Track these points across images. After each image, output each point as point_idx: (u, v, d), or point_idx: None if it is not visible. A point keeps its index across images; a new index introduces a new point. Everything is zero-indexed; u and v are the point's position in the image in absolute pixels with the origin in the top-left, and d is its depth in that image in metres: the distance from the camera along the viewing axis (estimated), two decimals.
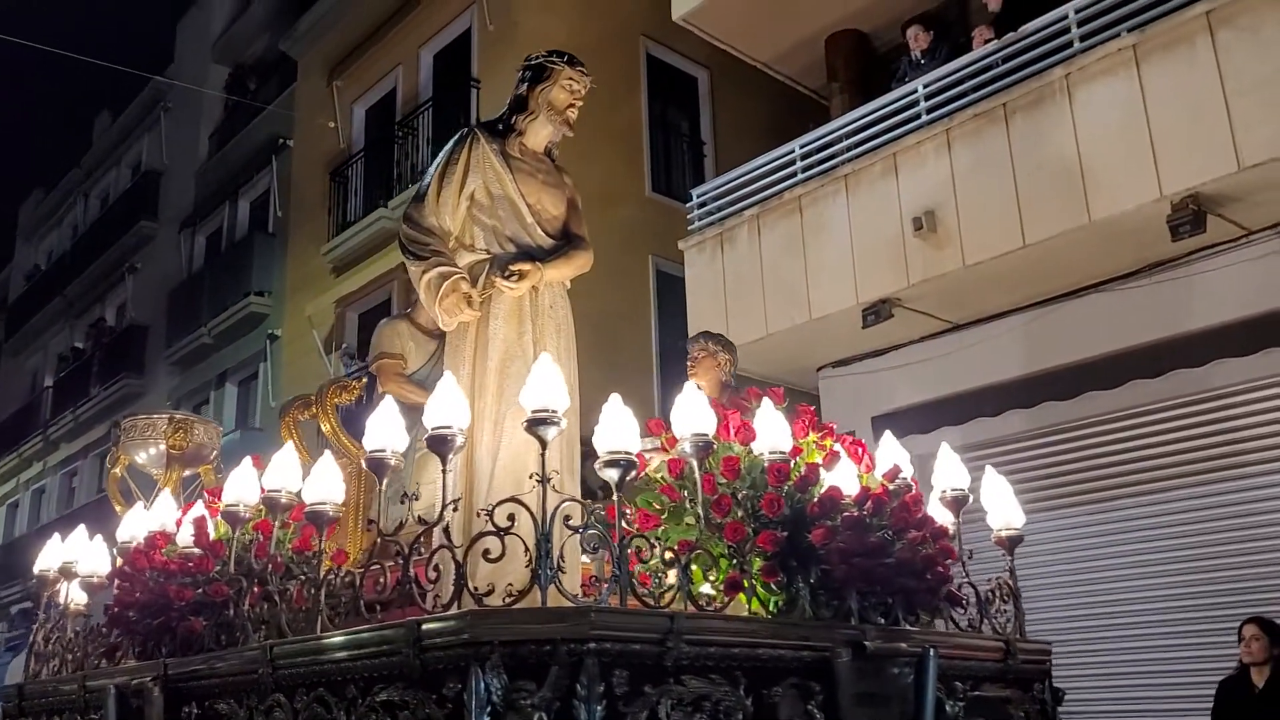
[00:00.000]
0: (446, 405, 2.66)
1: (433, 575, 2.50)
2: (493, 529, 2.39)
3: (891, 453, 3.32)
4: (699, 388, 4.99)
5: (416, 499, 2.69)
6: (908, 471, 3.25)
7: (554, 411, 2.54)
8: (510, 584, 2.45)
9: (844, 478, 3.01)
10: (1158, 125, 5.76)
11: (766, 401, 3.11)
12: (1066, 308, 6.80)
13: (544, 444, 2.51)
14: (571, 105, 3.82)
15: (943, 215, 6.66)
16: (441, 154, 3.78)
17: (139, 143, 20.47)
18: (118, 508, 5.16)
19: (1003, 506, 3.37)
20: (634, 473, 2.61)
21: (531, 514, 2.37)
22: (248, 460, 3.37)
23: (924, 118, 7.01)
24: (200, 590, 3.31)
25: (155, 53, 20.93)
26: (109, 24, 34.99)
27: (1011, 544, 3.33)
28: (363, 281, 12.28)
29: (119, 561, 3.84)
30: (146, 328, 17.74)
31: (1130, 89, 5.91)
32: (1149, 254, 6.24)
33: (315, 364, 12.43)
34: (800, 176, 7.72)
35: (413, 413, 4.54)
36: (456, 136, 3.81)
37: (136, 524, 3.85)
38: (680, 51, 11.15)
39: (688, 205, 8.63)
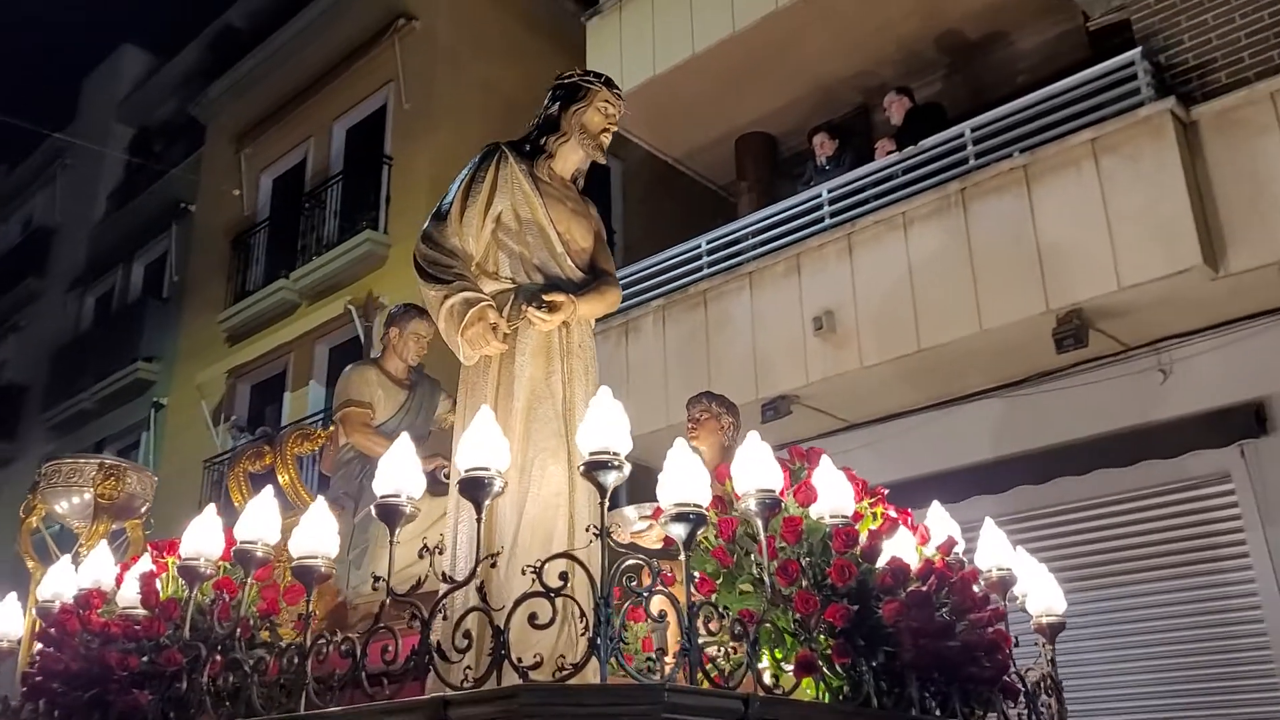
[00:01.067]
0: (483, 443, 2.34)
1: (462, 642, 2.16)
2: (540, 589, 2.09)
3: (943, 523, 3.03)
4: (698, 450, 4.77)
5: (441, 551, 2.43)
6: (960, 545, 2.97)
7: (616, 454, 2.25)
8: (562, 656, 2.16)
9: (902, 549, 2.75)
10: (1045, 242, 6.02)
11: (825, 460, 2.84)
12: (961, 411, 6.98)
13: (604, 491, 2.23)
14: (605, 130, 3.52)
15: (842, 316, 6.81)
16: (465, 171, 3.45)
17: (32, 199, 19.84)
18: (29, 563, 4.72)
19: (1043, 590, 3.12)
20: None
21: (589, 573, 2.12)
22: (210, 509, 3.02)
23: (827, 221, 7.22)
24: (147, 658, 2.88)
25: (58, 108, 20.44)
26: (9, 76, 34.14)
27: (1053, 632, 3.10)
28: (258, 353, 11.99)
29: (39, 624, 3.38)
30: (25, 388, 16.97)
31: (1020, 206, 6.19)
32: (1036, 364, 6.47)
33: (201, 435, 12.03)
34: (706, 271, 7.84)
35: (375, 466, 4.40)
36: (482, 152, 3.48)
37: (63, 581, 3.38)
38: None
39: None
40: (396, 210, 10.78)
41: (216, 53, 15.00)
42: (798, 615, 2.45)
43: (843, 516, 2.65)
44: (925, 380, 6.81)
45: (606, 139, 3.54)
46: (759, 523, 2.47)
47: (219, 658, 2.72)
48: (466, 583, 2.31)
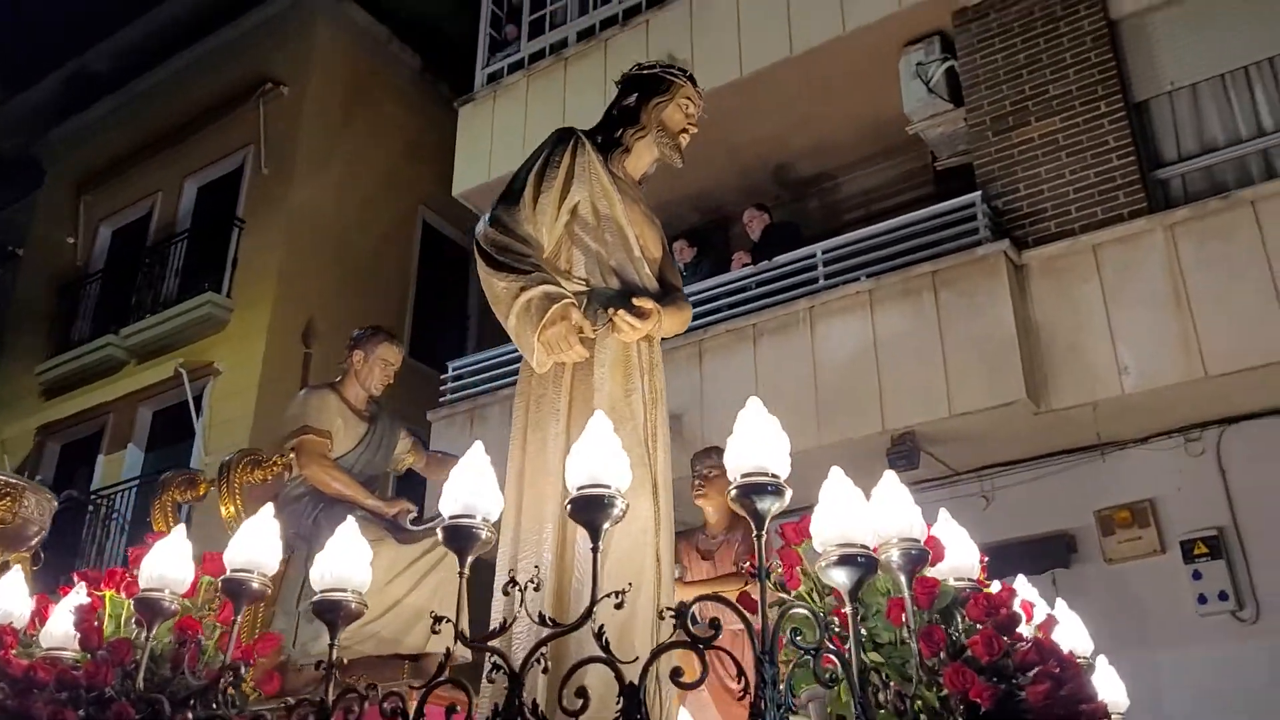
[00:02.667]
0: (601, 455, 1.92)
1: (574, 702, 1.72)
2: (686, 638, 1.74)
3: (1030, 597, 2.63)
4: (706, 510, 4.43)
5: (537, 587, 2.03)
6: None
7: (776, 478, 1.88)
8: None
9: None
10: (885, 364, 6.27)
11: (944, 513, 2.48)
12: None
13: (760, 523, 1.86)
14: (685, 130, 3.21)
15: (688, 420, 6.89)
16: (537, 154, 3.06)
17: None
18: None
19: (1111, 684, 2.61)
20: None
21: (746, 619, 1.80)
22: (180, 529, 2.52)
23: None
24: (85, 712, 2.33)
25: None
26: None
27: None
28: (74, 410, 11.26)
29: None
30: None
31: (864, 328, 6.44)
32: (871, 482, 6.66)
33: None
34: None
35: (333, 505, 3.77)
36: (556, 135, 3.09)
37: None
38: (456, 225, 11.31)
39: (443, 376, 8.56)
40: (243, 275, 10.43)
41: (71, 92, 14.38)
42: (943, 692, 2.04)
43: (970, 581, 2.31)
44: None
45: (685, 140, 3.22)
46: (902, 578, 2.03)
47: (189, 716, 2.25)
48: (580, 623, 1.84)
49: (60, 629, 2.54)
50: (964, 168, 7.11)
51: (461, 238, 11.53)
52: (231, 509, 3.73)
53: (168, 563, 2.37)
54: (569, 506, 1.91)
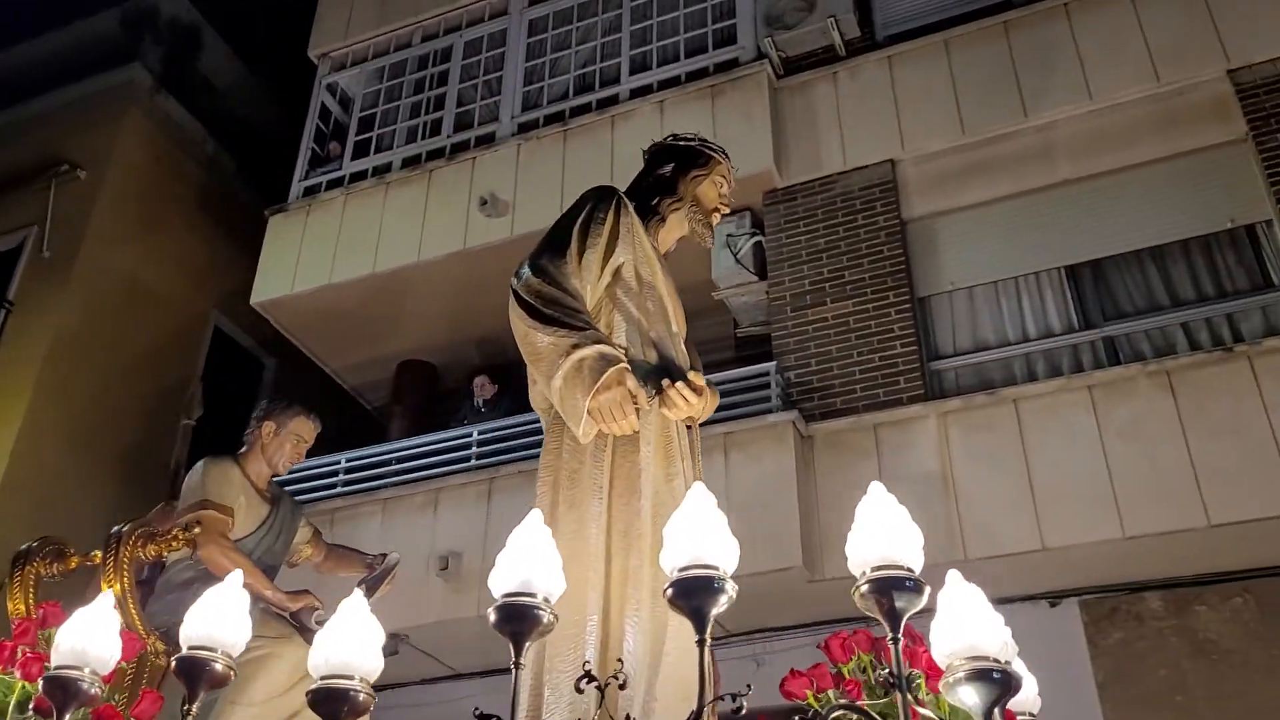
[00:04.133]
0: (709, 532, 1.69)
1: None
2: None
3: None
4: None
5: (623, 685, 1.76)
6: None
7: (912, 571, 1.64)
8: None
9: None
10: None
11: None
12: None
13: (897, 624, 1.60)
14: (717, 209, 3.09)
15: (468, 559, 6.72)
16: (577, 208, 2.87)
17: None
18: None
19: None
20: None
21: None
22: (107, 595, 2.08)
23: (473, 462, 7.24)
24: None
25: None
26: None
27: None
28: None
29: None
30: None
31: None
32: None
33: None
34: (340, 489, 7.55)
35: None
36: (597, 192, 2.93)
37: None
38: (251, 333, 10.88)
39: None
40: (6, 358, 9.64)
41: None
42: None
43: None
44: None
45: (716, 220, 3.10)
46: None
47: None
48: None
49: None
50: (763, 337, 7.44)
51: (255, 346, 11.10)
52: (119, 586, 3.17)
53: (91, 636, 1.95)
54: (670, 591, 1.64)
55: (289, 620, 3.48)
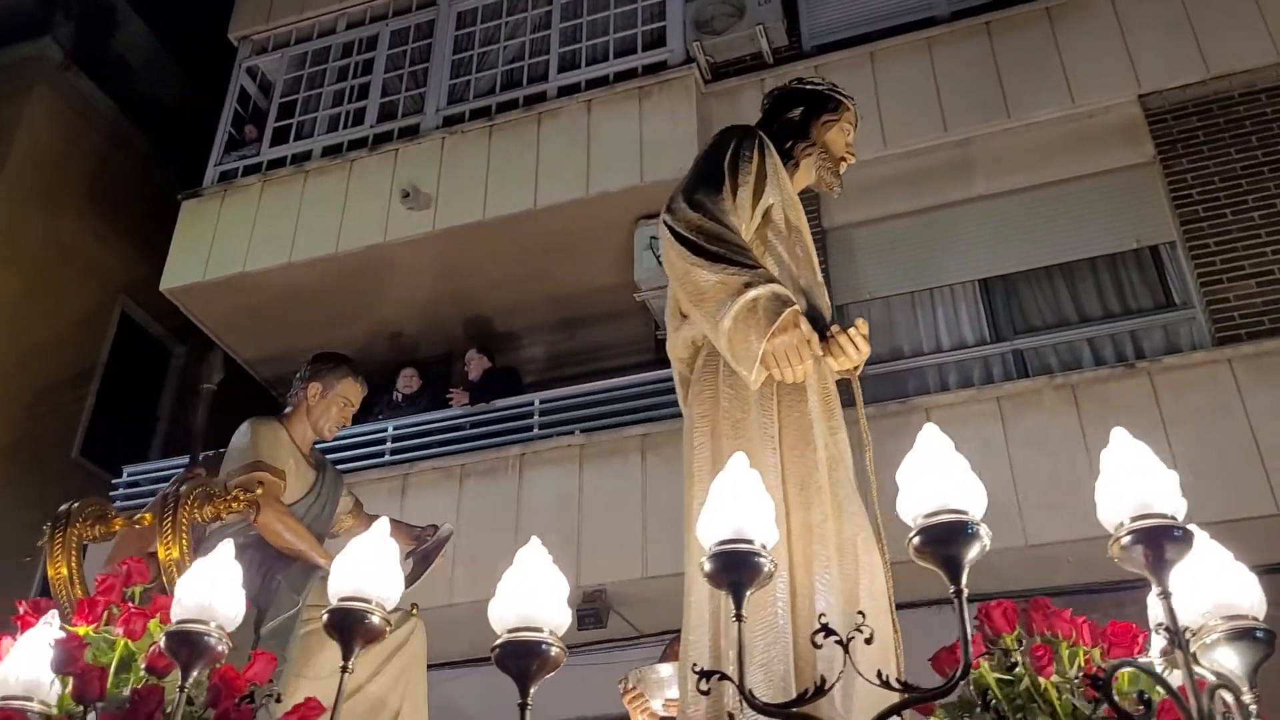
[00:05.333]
0: (956, 477, 1.54)
1: None
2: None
3: None
4: None
5: (869, 639, 1.55)
6: None
7: (1176, 519, 1.49)
8: None
9: None
10: (586, 520, 6.34)
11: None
12: (478, 673, 6.89)
13: (1163, 575, 1.45)
14: (844, 159, 2.91)
15: None
16: (721, 144, 2.67)
17: None
18: None
19: None
20: None
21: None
22: (227, 545, 1.90)
23: (388, 457, 7.14)
24: None
25: None
26: None
27: None
28: None
29: None
30: None
31: (572, 481, 6.51)
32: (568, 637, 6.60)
33: None
34: None
35: (287, 563, 3.10)
36: (739, 130, 2.73)
37: None
38: (160, 320, 10.59)
39: (115, 481, 7.84)
40: None
41: None
42: None
43: None
44: (457, 634, 6.69)
45: (843, 169, 2.92)
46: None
47: None
48: (948, 691, 1.43)
49: (24, 673, 1.89)
50: None
51: (164, 334, 10.80)
52: (177, 550, 2.90)
53: (216, 589, 1.81)
54: (917, 540, 1.50)
55: None
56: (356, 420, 7.94)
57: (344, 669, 1.70)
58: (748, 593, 1.57)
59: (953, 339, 6.90)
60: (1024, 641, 1.87)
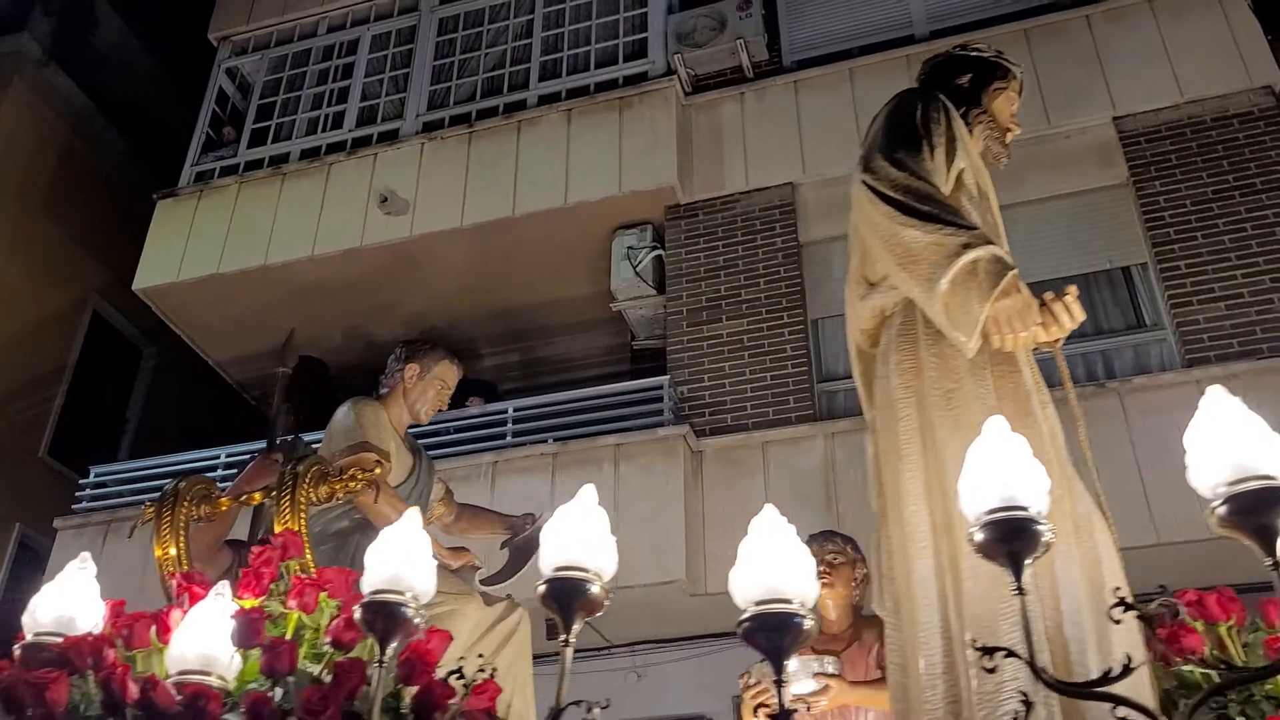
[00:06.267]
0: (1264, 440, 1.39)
1: None
2: None
3: None
4: (826, 603, 3.49)
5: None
6: None
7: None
8: None
9: None
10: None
11: None
12: None
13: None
14: (1009, 129, 2.79)
15: None
16: (908, 105, 2.57)
17: None
18: None
19: None
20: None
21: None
22: (413, 511, 1.81)
23: None
24: None
25: None
26: None
27: None
28: None
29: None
30: None
31: (544, 489, 6.48)
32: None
33: None
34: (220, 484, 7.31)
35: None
36: (922, 93, 2.64)
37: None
38: (132, 320, 10.49)
39: (82, 481, 7.75)
40: None
41: None
42: None
43: None
44: None
45: (1008, 139, 2.78)
46: None
47: None
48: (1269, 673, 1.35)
49: (202, 645, 1.78)
50: (658, 351, 7.48)
51: (136, 334, 10.70)
52: (297, 522, 2.67)
53: (408, 560, 1.70)
54: (1225, 510, 1.36)
55: (462, 577, 3.22)
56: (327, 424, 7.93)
57: (565, 641, 1.64)
58: (1027, 563, 1.45)
59: None
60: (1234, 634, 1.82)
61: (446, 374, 3.66)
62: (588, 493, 1.78)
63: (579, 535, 1.71)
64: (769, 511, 1.70)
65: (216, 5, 9.73)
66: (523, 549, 3.60)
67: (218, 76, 9.42)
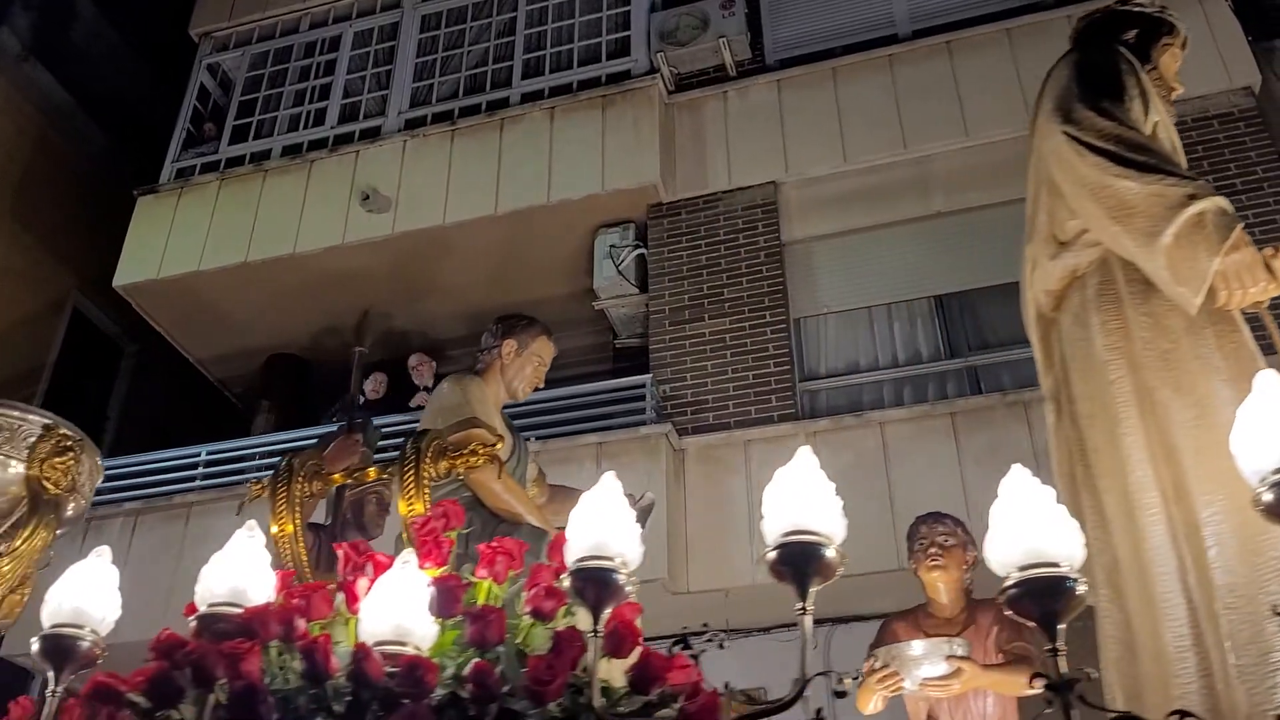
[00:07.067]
0: None
1: None
2: None
3: None
4: (938, 585, 3.38)
5: None
6: None
7: None
8: None
9: None
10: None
11: None
12: None
13: None
14: (1174, 87, 2.65)
15: None
16: (1095, 57, 2.48)
17: None
18: None
19: None
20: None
21: None
22: (609, 476, 1.77)
23: None
24: None
25: None
26: None
27: None
28: None
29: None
30: None
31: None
32: None
33: None
34: (199, 483, 7.28)
35: (496, 526, 2.88)
36: (1103, 46, 2.55)
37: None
38: (113, 319, 10.42)
39: None
40: None
41: None
42: None
43: None
44: None
45: (1173, 97, 2.66)
46: None
47: None
48: None
49: (397, 616, 1.72)
50: (640, 349, 7.47)
51: (117, 332, 10.63)
52: (420, 505, 2.58)
53: (612, 527, 1.67)
54: None
55: None
56: (311, 422, 7.91)
57: (802, 609, 1.58)
58: None
59: (908, 354, 6.96)
60: None
61: (544, 350, 3.58)
62: (804, 455, 1.74)
63: (805, 499, 1.64)
64: (1018, 472, 1.64)
65: (198, 1, 9.68)
66: None
67: (199, 72, 9.37)
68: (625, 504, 1.75)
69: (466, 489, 3.03)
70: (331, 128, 8.60)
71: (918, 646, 3.03)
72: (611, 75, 8.03)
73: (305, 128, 8.71)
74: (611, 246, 7.47)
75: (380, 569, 1.89)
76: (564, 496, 3.70)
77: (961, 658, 2.94)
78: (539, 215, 7.64)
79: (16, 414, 2.80)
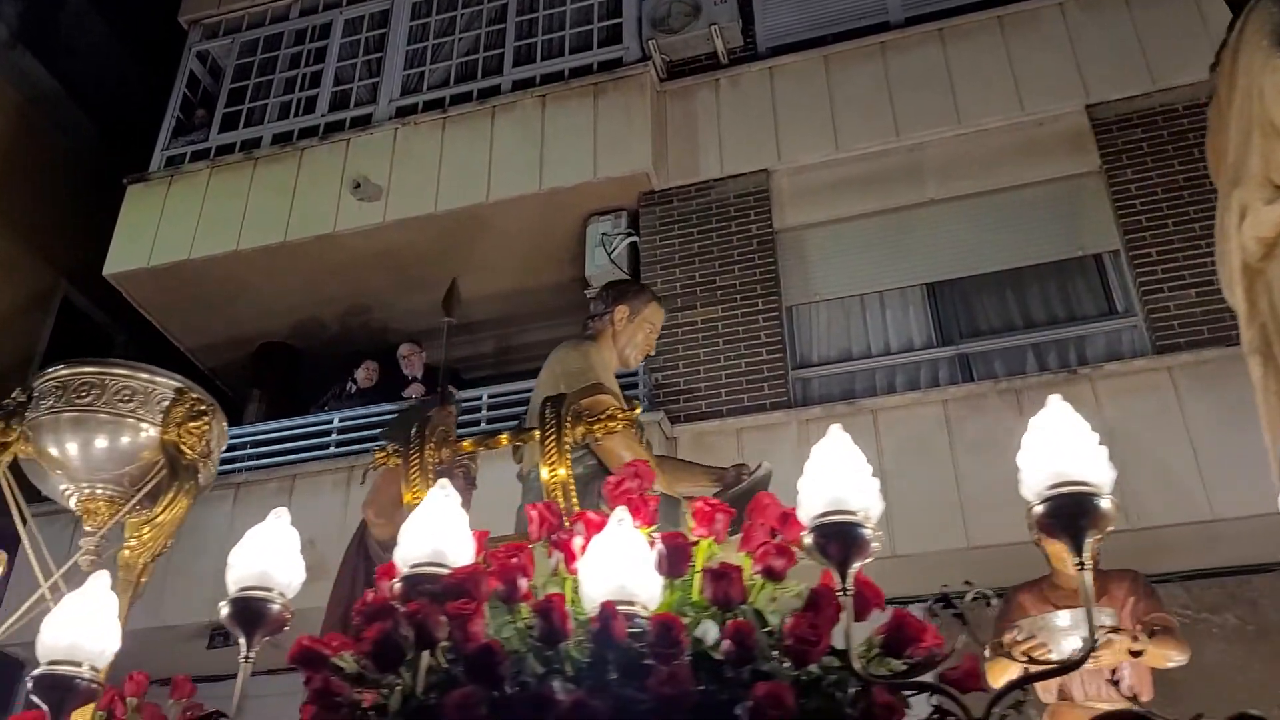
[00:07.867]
0: None
1: None
2: None
3: None
4: (1064, 556, 3.27)
5: None
6: None
7: None
8: None
9: None
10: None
11: None
12: None
13: None
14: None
15: (323, 550, 6.53)
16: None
17: None
18: None
19: None
20: None
21: None
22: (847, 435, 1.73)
23: (333, 450, 7.07)
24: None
25: None
26: None
27: None
28: None
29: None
30: None
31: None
32: None
33: None
34: None
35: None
36: None
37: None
38: (103, 307, 10.38)
39: None
40: None
41: None
42: None
43: None
44: None
45: None
46: None
47: None
48: None
49: (620, 575, 1.62)
50: None
51: (107, 321, 10.59)
52: (564, 471, 2.57)
53: (851, 478, 1.63)
54: None
55: None
56: (302, 411, 7.90)
57: (843, 591, 1.54)
58: None
59: (900, 342, 6.96)
60: None
61: (655, 316, 3.49)
62: (835, 433, 1.71)
63: (839, 475, 1.62)
64: (1055, 403, 1.67)
65: None
66: (737, 503, 3.43)
67: (189, 60, 9.32)
68: (860, 459, 1.71)
69: (592, 457, 2.95)
70: (322, 115, 8.57)
71: (1065, 617, 2.93)
72: (603, 63, 8.01)
73: (296, 115, 8.67)
74: (603, 234, 7.46)
75: (593, 528, 1.80)
76: (674, 468, 3.62)
77: (1111, 628, 2.86)
78: (530, 203, 7.62)
79: (145, 376, 2.85)
